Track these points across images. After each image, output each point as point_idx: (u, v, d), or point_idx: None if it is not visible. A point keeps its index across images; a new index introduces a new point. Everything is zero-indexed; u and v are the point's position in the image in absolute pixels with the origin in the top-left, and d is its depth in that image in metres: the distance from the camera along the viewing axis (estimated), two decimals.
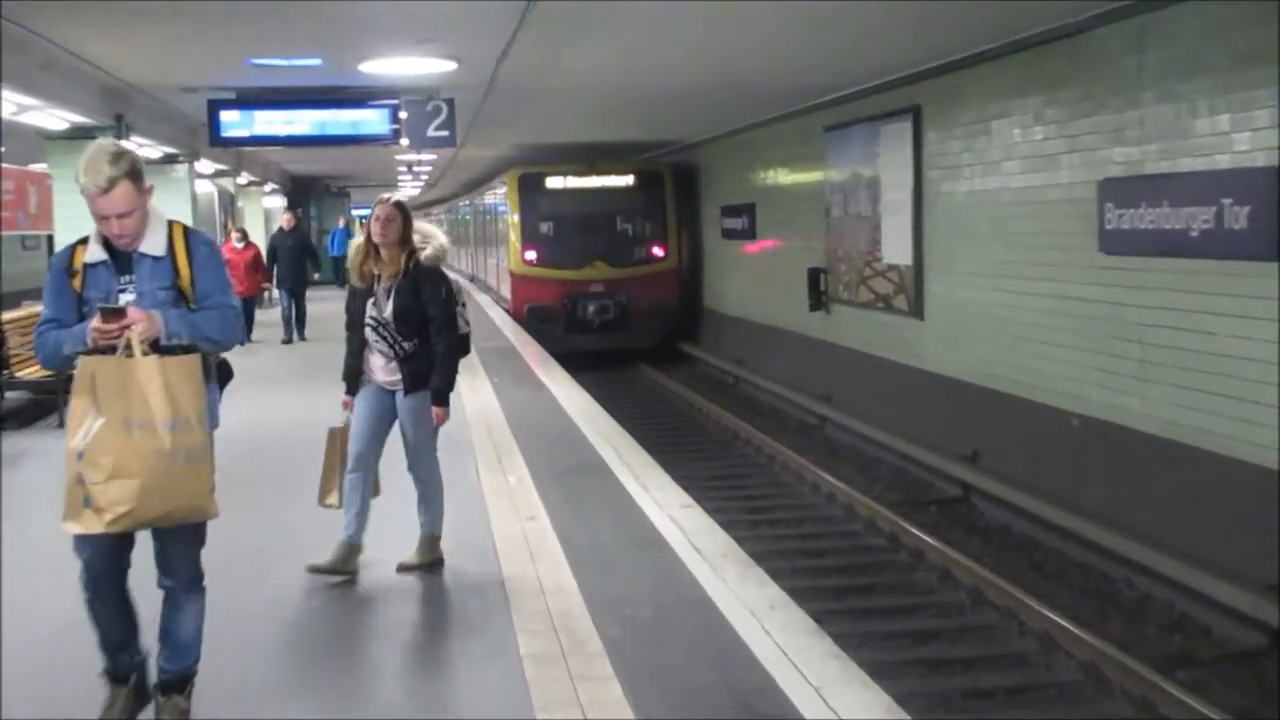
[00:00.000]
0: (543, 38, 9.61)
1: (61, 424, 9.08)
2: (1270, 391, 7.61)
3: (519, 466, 8.23)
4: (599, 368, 19.60)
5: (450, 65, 10.79)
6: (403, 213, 5.73)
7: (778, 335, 17.57)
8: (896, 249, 13.15)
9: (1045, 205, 10.16)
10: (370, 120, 12.32)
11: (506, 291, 23.38)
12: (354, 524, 5.76)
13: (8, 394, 11.07)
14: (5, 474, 8.44)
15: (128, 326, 3.74)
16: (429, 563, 5.92)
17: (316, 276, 18.77)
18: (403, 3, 8.29)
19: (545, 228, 22.06)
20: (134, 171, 3.84)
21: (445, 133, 12.35)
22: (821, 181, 15.36)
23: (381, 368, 5.77)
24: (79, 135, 11.65)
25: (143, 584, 4.12)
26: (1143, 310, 8.85)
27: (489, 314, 21.80)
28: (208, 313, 3.96)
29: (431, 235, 5.87)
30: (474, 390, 11.63)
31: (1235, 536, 7.78)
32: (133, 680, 4.10)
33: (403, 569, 5.88)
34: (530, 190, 22.19)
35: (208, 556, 4.17)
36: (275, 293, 18.50)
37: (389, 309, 5.69)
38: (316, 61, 10.72)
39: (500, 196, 24.72)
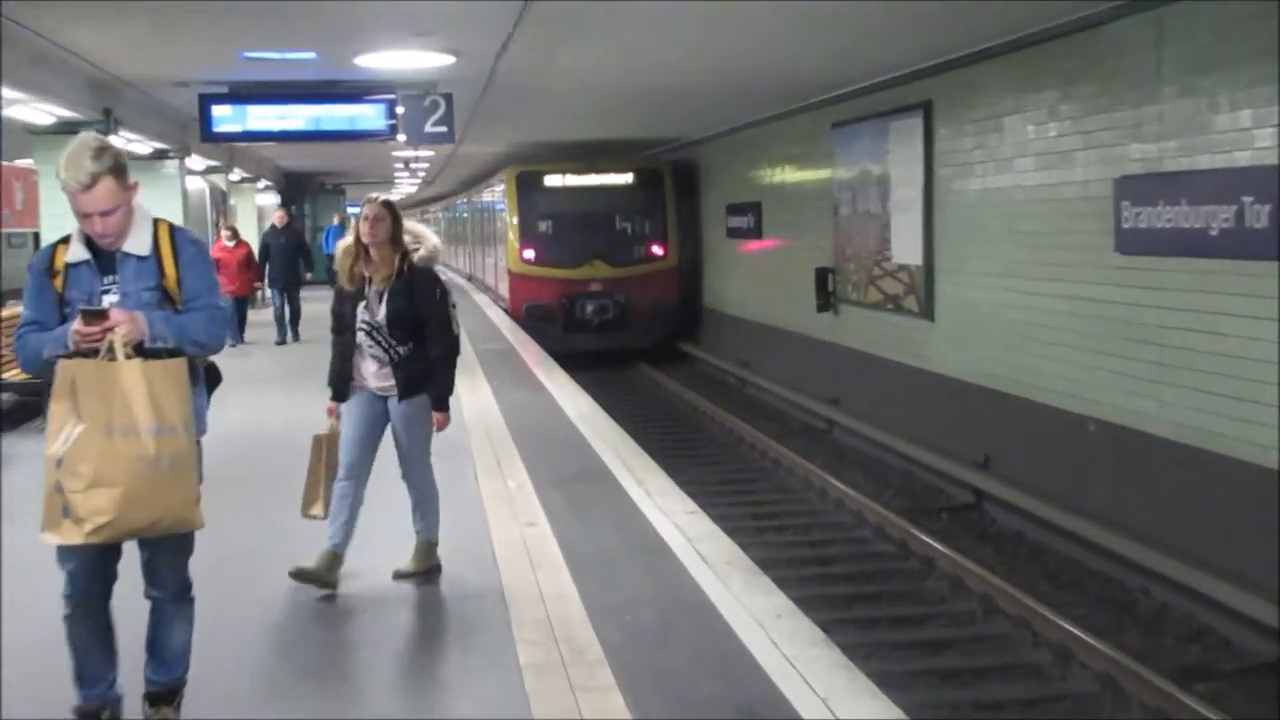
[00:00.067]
0: (543, 32, 9.60)
1: None
2: None
3: (519, 471, 8.23)
4: (598, 368, 19.65)
5: (448, 59, 10.78)
6: (391, 212, 5.69)
7: (784, 336, 17.57)
8: (906, 248, 13.14)
9: (1060, 204, 10.15)
10: (366, 115, 12.31)
11: (505, 291, 23.55)
12: (340, 533, 5.70)
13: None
14: None
15: (111, 329, 3.69)
16: (426, 570, 5.92)
17: (309, 276, 18.73)
18: None
19: (544, 226, 22.25)
20: (117, 167, 3.80)
21: (443, 128, 12.33)
22: (829, 179, 15.35)
23: (374, 373, 5.72)
24: (66, 130, 11.63)
25: (128, 594, 4.10)
26: (1160, 312, 8.84)
27: (488, 314, 21.84)
28: (194, 314, 3.91)
29: (423, 236, 5.84)
30: (473, 393, 11.63)
31: (1256, 545, 7.76)
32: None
33: (399, 576, 5.87)
34: (529, 188, 22.36)
35: (198, 563, 4.16)
36: (268, 292, 18.51)
37: (382, 312, 5.65)
38: (311, 55, 10.72)
39: (498, 194, 24.85)
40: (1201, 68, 8.30)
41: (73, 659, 3.99)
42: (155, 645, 4.10)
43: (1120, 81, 9.23)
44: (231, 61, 10.92)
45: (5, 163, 18.34)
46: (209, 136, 12.50)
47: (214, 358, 4.16)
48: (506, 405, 11.01)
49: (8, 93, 9.98)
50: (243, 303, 17.47)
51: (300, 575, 5.64)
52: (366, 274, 5.70)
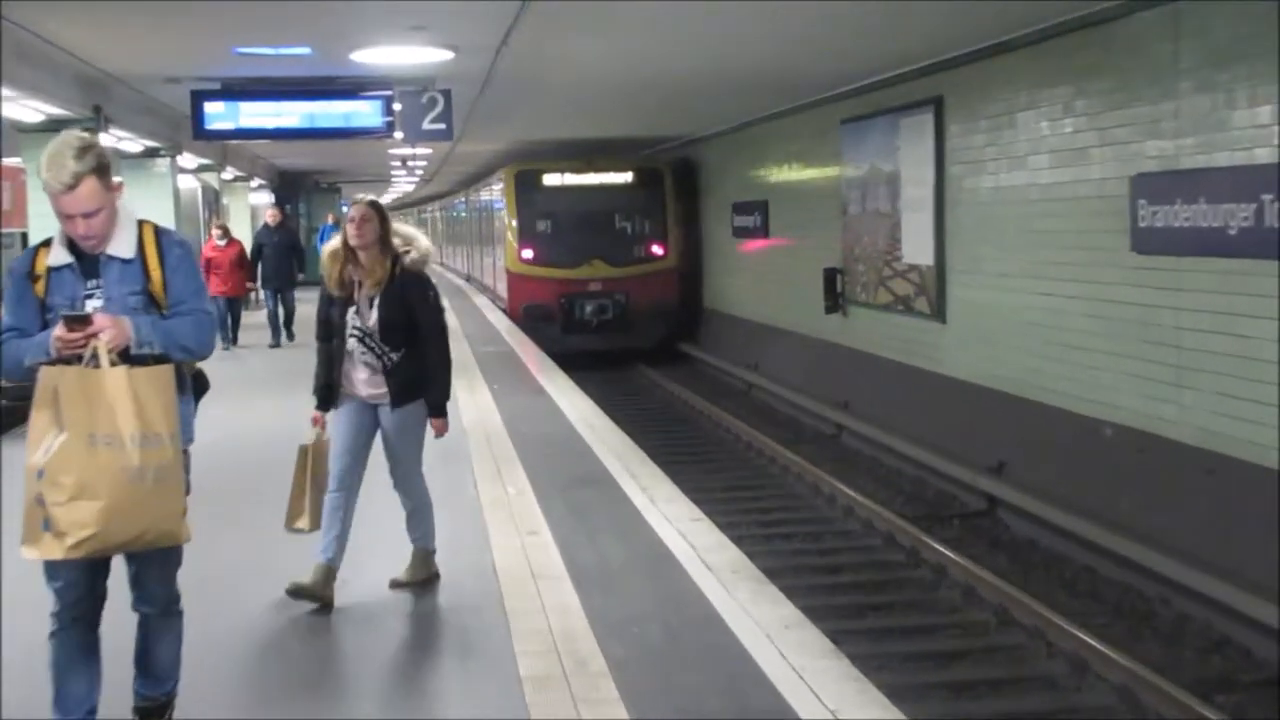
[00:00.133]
0: (544, 26, 9.60)
1: None
2: None
3: (519, 477, 8.23)
4: (598, 369, 19.74)
5: (447, 55, 10.79)
6: (379, 213, 5.64)
7: (790, 338, 17.56)
8: (917, 248, 13.13)
9: (1074, 202, 10.14)
10: (362, 112, 12.33)
11: (503, 291, 23.76)
12: (334, 546, 5.66)
13: None
14: None
15: (95, 334, 3.64)
16: (424, 579, 5.91)
17: (303, 276, 18.75)
18: None
19: (543, 225, 22.51)
20: (101, 166, 3.74)
21: (441, 126, 12.33)
22: (837, 177, 15.35)
23: (365, 381, 5.68)
24: (55, 128, 11.63)
25: (115, 607, 4.08)
26: (1179, 313, 8.83)
27: (487, 317, 21.88)
28: (181, 319, 3.87)
29: (414, 238, 5.80)
30: (472, 396, 11.63)
31: (1277, 553, 7.74)
32: None
33: (396, 586, 5.87)
34: (528, 187, 22.61)
35: (188, 575, 4.15)
36: (261, 294, 18.49)
37: (374, 318, 5.61)
38: (306, 50, 10.73)
39: (497, 193, 25.00)
40: (1220, 62, 8.30)
41: (53, 681, 3.93)
42: (144, 659, 4.08)
43: (1137, 76, 9.23)
44: (224, 57, 10.93)
45: None
46: (201, 134, 12.52)
47: (203, 363, 4.12)
48: (506, 409, 11.01)
49: None
50: (236, 304, 17.43)
51: (297, 592, 5.59)
52: (356, 278, 5.65)
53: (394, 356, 5.64)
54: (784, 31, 10.25)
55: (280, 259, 17.69)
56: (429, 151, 23.02)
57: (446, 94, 12.21)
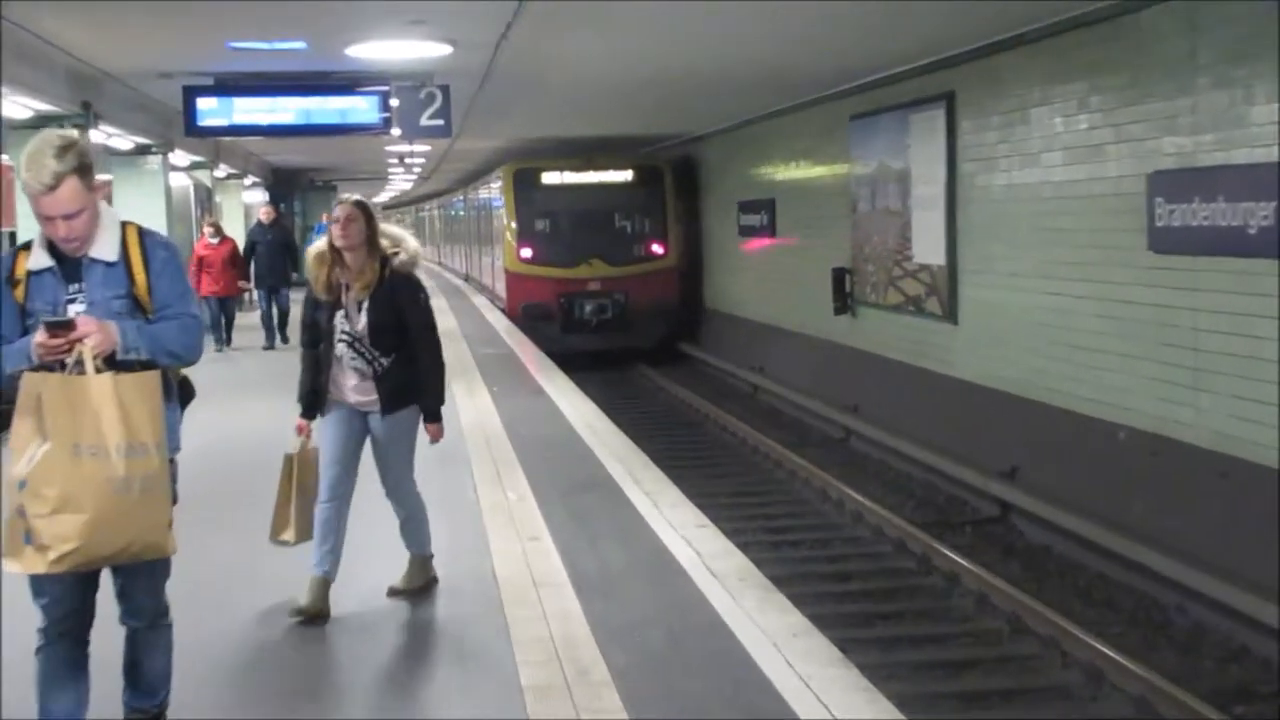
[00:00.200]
0: (544, 20, 9.61)
1: None
2: None
3: (519, 482, 8.24)
4: (598, 370, 19.84)
5: (445, 49, 10.80)
6: (365, 212, 5.60)
7: (797, 340, 17.57)
8: (928, 248, 13.14)
9: (1090, 200, 10.14)
10: (359, 108, 12.34)
11: (502, 290, 23.94)
12: (329, 560, 5.63)
13: None
14: None
15: (78, 340, 3.59)
16: (422, 585, 5.92)
17: (297, 276, 18.73)
18: None
19: (542, 224, 22.73)
20: (82, 166, 3.70)
21: (440, 122, 12.35)
22: (846, 175, 15.36)
23: (354, 387, 5.64)
24: (43, 125, 11.67)
25: (103, 615, 4.07)
26: (1196, 314, 8.83)
27: (486, 317, 21.91)
28: (167, 323, 3.83)
29: (402, 239, 5.77)
30: (471, 398, 11.64)
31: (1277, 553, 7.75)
32: None
33: (394, 594, 5.88)
34: (526, 186, 22.82)
35: (180, 582, 4.16)
36: (255, 294, 18.48)
37: (363, 322, 5.58)
38: (301, 44, 10.74)
39: (495, 192, 25.13)
40: (1238, 57, 8.30)
41: (39, 698, 3.91)
42: (133, 671, 4.06)
43: (1153, 72, 9.23)
44: (217, 52, 10.94)
45: None
46: (194, 130, 12.53)
47: (196, 365, 4.09)
48: (506, 412, 11.01)
49: None
50: (229, 304, 17.42)
51: (300, 614, 5.54)
52: (344, 281, 5.60)
53: (384, 362, 5.60)
54: (789, 28, 10.25)
55: (274, 258, 17.67)
56: (427, 148, 23.02)
57: (445, 89, 12.21)
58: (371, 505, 6.02)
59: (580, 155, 22.83)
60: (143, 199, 15.69)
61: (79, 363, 3.59)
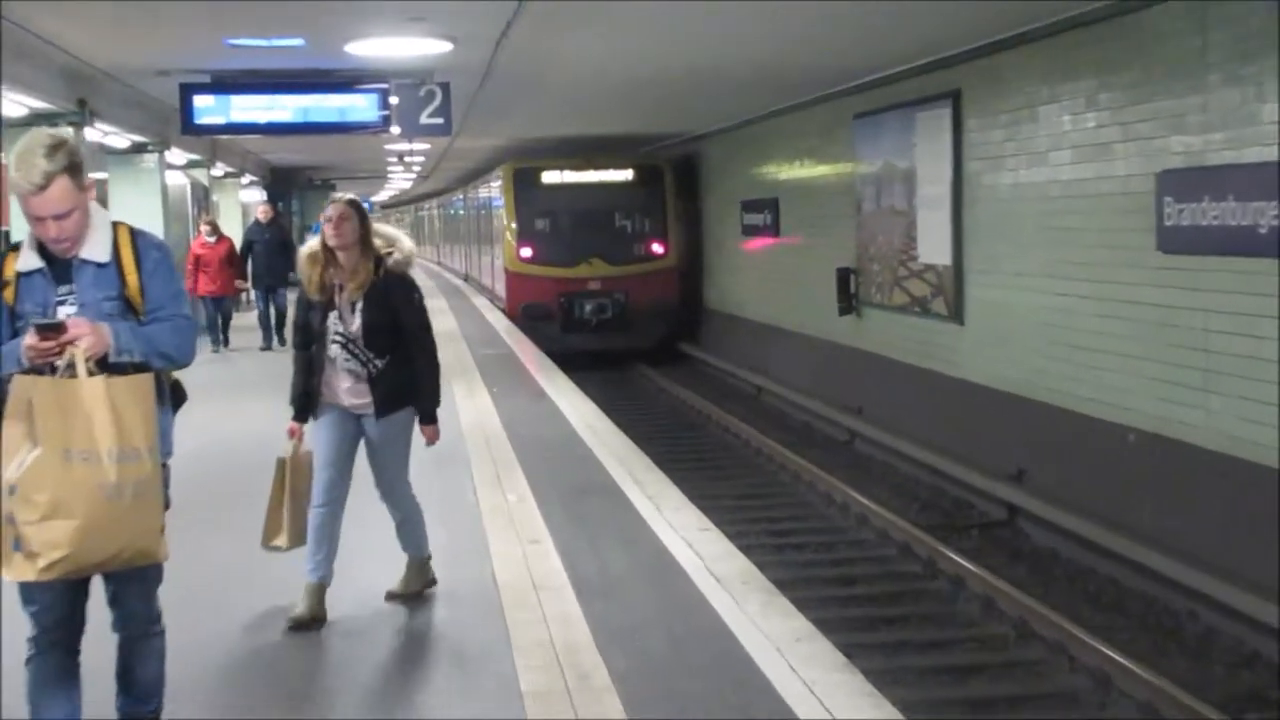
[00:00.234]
0: (545, 17, 9.61)
1: None
2: None
3: (519, 484, 8.24)
4: (598, 370, 19.94)
5: (445, 46, 10.80)
6: (358, 211, 5.59)
7: (801, 340, 17.56)
8: (934, 247, 13.13)
9: (1098, 199, 10.13)
10: (358, 106, 12.33)
11: (501, 290, 24.11)
12: (324, 566, 5.61)
13: None
14: None
15: (69, 342, 3.56)
16: (420, 589, 5.91)
17: (294, 275, 18.70)
18: None
19: (541, 224, 22.91)
20: (73, 165, 3.66)
21: (439, 120, 12.35)
22: (851, 174, 15.35)
23: (348, 389, 5.62)
24: (38, 123, 11.67)
25: (94, 619, 4.05)
26: (1206, 314, 8.82)
27: (486, 318, 21.94)
28: (160, 325, 3.80)
29: (396, 239, 5.75)
30: (471, 400, 11.64)
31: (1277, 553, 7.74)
32: None
33: (391, 597, 5.87)
34: (526, 185, 23.00)
35: (175, 583, 4.15)
36: (252, 294, 18.44)
37: (357, 323, 5.56)
38: (299, 42, 10.74)
39: (495, 191, 25.24)
40: (1248, 54, 8.28)
41: (30, 709, 3.88)
42: (126, 678, 4.04)
43: (1162, 69, 9.22)
44: (215, 49, 10.95)
45: None
46: (191, 129, 12.53)
47: (193, 366, 4.05)
48: (506, 412, 11.01)
49: None
50: (226, 304, 17.39)
51: (298, 625, 5.51)
52: (337, 282, 5.59)
53: (379, 363, 5.58)
54: (791, 26, 10.25)
55: (272, 257, 17.63)
56: (426, 147, 23.06)
57: (445, 87, 12.22)
58: (367, 508, 6.02)
59: (580, 154, 23.00)
60: (139, 198, 15.72)
61: (70, 365, 3.56)
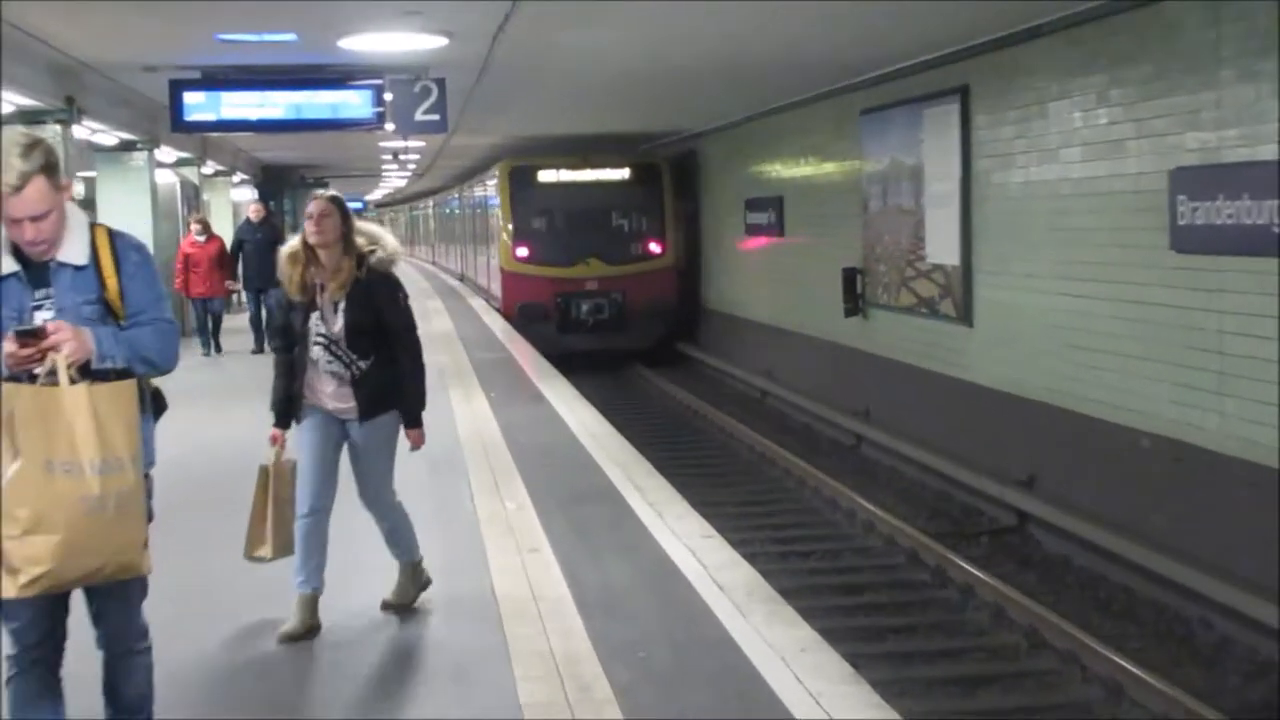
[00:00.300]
0: (544, 11, 9.62)
1: None
2: None
3: (518, 491, 8.24)
4: (595, 372, 20.03)
5: (441, 41, 10.81)
6: (340, 208, 5.57)
7: (804, 342, 17.56)
8: (942, 247, 13.13)
9: (1110, 198, 10.14)
10: (351, 103, 12.34)
11: (497, 290, 24.22)
12: (316, 576, 5.59)
13: None
14: None
15: (50, 348, 3.50)
16: (415, 595, 5.90)
17: None
18: None
19: (538, 223, 23.09)
20: (49, 165, 3.63)
21: (435, 117, 12.35)
22: (857, 171, 15.36)
23: (332, 393, 5.59)
24: (24, 120, 11.68)
25: (83, 627, 4.04)
26: (1221, 316, 8.82)
27: (484, 320, 21.95)
28: (141, 329, 3.75)
29: (379, 237, 5.74)
30: (468, 405, 11.64)
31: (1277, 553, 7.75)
32: None
33: (387, 607, 5.87)
34: (522, 184, 23.15)
35: (165, 593, 4.14)
36: (243, 295, 18.42)
37: (339, 323, 5.53)
38: (291, 37, 10.75)
39: (491, 189, 25.34)
40: (1264, 49, 8.29)
41: None
42: (113, 694, 4.00)
43: (1176, 64, 9.22)
44: (205, 44, 10.95)
45: None
46: (180, 126, 12.53)
47: (177, 373, 3.99)
48: (504, 418, 11.01)
49: None
50: (216, 305, 17.37)
51: (289, 638, 5.50)
52: (318, 281, 5.56)
53: (362, 365, 5.56)
54: (799, 16, 10.24)
55: (263, 257, 17.52)
56: (422, 145, 23.07)
57: (441, 83, 12.22)
58: (355, 514, 5.98)
59: (577, 153, 23.11)
60: (128, 197, 15.73)
61: (51, 373, 3.51)
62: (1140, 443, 9.78)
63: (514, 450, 9.60)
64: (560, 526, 7.27)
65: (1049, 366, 11.17)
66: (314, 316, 5.57)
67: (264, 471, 5.68)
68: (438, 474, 8.55)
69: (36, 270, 3.74)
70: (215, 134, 18.66)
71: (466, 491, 8.23)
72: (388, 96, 12.28)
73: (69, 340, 3.53)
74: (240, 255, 17.62)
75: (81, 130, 13.14)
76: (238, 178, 26.83)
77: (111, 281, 3.76)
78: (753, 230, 20.13)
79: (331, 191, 5.76)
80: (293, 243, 5.65)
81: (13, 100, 11.32)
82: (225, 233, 19.50)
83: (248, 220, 18.32)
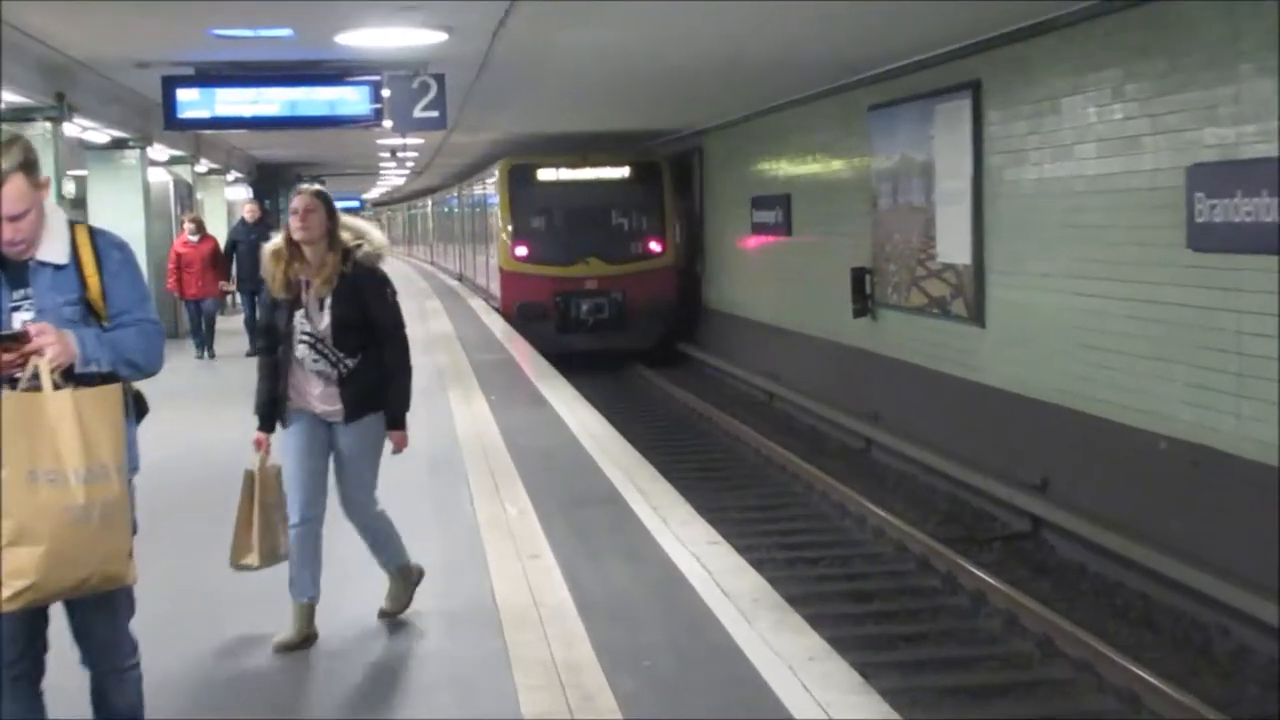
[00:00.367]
0: (544, 5, 9.62)
1: None
2: None
3: (519, 496, 8.23)
4: (596, 372, 20.07)
5: (440, 36, 10.82)
6: (325, 203, 5.54)
7: (812, 343, 17.56)
8: (953, 246, 13.13)
9: (1125, 195, 10.13)
10: (348, 99, 12.35)
11: (496, 289, 24.40)
12: (312, 585, 5.56)
13: None
14: None
15: (34, 352, 3.45)
16: (409, 600, 5.89)
17: None
18: None
19: (537, 222, 23.30)
20: (28, 162, 3.59)
21: (434, 114, 12.35)
22: (866, 168, 15.36)
23: (319, 395, 5.55)
24: (15, 117, 11.70)
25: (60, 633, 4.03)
26: (1240, 316, 8.81)
27: (483, 320, 21.97)
28: (125, 330, 3.70)
29: (365, 232, 5.70)
30: (468, 407, 11.64)
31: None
32: None
33: (384, 615, 5.87)
34: (521, 182, 23.34)
35: (157, 601, 4.13)
36: (237, 297, 18.41)
37: (325, 321, 5.50)
38: (287, 32, 10.76)
39: (490, 188, 25.48)
40: None
41: None
42: (101, 708, 3.93)
43: (1192, 58, 9.22)
44: (199, 40, 10.96)
45: None
46: (173, 123, 12.55)
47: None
48: (504, 420, 11.01)
49: None
50: (209, 306, 17.34)
51: (286, 648, 5.49)
52: (303, 278, 5.53)
53: (349, 363, 5.52)
54: (799, 13, 10.24)
55: (258, 258, 17.54)
56: (420, 142, 23.08)
57: (439, 79, 12.22)
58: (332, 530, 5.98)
59: (577, 151, 23.25)
60: (119, 196, 15.75)
61: (34, 378, 3.46)
62: (1158, 445, 9.77)
63: (514, 453, 9.60)
64: (562, 531, 7.27)
65: (1063, 368, 11.16)
66: (299, 314, 5.54)
67: (249, 476, 5.62)
68: (437, 477, 8.55)
69: (15, 270, 3.69)
70: (209, 132, 18.68)
71: (466, 495, 8.24)
72: (385, 93, 12.29)
73: (52, 344, 3.47)
74: (234, 256, 17.60)
75: (72, 128, 13.16)
76: (232, 176, 26.88)
77: (93, 281, 3.71)
78: (759, 229, 20.14)
79: (316, 185, 5.74)
80: (276, 240, 5.62)
81: (1, 97, 11.32)
82: (219, 232, 19.50)
83: (242, 220, 18.24)
